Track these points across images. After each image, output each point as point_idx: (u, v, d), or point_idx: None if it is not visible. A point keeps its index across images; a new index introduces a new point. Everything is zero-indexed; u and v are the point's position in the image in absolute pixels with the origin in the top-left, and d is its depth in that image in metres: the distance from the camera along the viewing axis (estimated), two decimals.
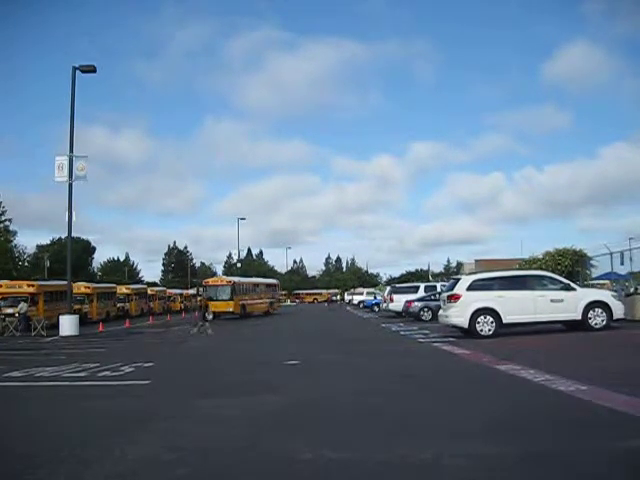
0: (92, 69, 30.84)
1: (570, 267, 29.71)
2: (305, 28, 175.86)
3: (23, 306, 32.47)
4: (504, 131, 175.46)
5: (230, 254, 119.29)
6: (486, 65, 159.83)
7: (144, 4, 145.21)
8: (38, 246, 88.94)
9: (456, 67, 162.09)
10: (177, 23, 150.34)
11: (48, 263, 75.21)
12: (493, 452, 5.63)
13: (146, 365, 14.35)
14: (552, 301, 18.35)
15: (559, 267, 28.90)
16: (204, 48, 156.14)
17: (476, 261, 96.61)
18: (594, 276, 30.51)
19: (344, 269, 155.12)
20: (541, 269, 25.64)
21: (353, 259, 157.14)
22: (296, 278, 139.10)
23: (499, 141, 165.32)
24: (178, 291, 79.10)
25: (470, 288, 18.90)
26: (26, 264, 72.49)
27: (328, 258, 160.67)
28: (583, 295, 18.89)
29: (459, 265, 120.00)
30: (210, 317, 33.98)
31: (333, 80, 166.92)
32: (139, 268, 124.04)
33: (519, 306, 18.27)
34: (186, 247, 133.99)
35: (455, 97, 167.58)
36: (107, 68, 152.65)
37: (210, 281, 50.45)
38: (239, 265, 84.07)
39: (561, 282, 19.27)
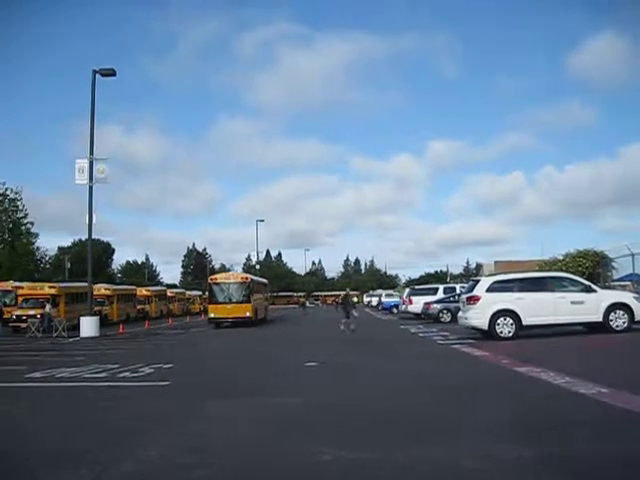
0: (112, 72, 31.04)
1: (591, 269, 29.40)
2: (320, 21, 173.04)
3: (48, 307, 32.75)
4: (525, 129, 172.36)
5: (249, 256, 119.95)
6: (509, 60, 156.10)
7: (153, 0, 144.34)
8: (59, 248, 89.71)
9: (477, 62, 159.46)
10: (187, 19, 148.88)
11: (69, 265, 75.83)
12: (512, 454, 5.59)
13: (165, 366, 14.40)
14: (573, 303, 18.20)
15: (580, 269, 28.61)
16: (216, 44, 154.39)
17: (495, 262, 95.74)
18: (615, 277, 30.20)
19: (363, 271, 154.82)
20: (562, 271, 25.45)
21: (372, 261, 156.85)
22: (315, 280, 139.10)
23: (520, 139, 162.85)
24: (197, 293, 79.42)
25: (490, 290, 18.80)
26: (47, 266, 73.06)
27: (347, 260, 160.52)
28: (604, 297, 18.71)
29: (478, 266, 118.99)
30: (356, 314, 29.07)
31: (350, 76, 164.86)
32: (158, 270, 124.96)
33: (539, 308, 18.14)
34: (205, 249, 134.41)
35: (476, 93, 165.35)
36: (118, 65, 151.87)
37: (218, 278, 40.52)
38: (258, 267, 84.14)
39: (582, 284, 19.10)
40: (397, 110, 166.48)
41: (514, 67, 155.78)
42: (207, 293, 43.14)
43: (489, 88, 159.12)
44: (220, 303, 37.06)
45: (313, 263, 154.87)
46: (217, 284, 38.37)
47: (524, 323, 18.22)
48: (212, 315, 37.07)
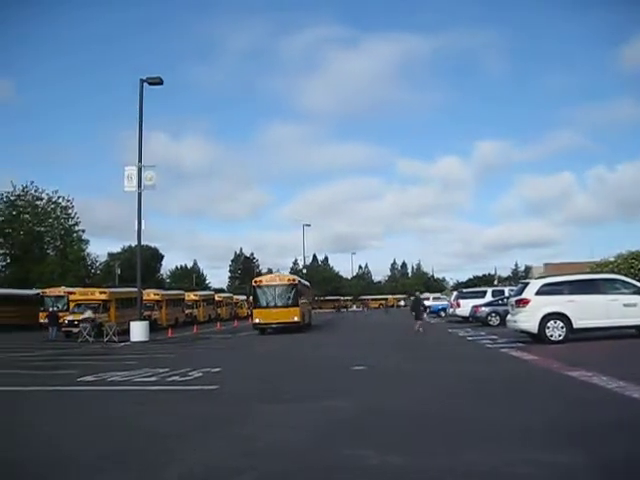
0: (159, 81, 31.49)
1: None
2: (364, 23, 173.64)
3: (88, 313, 33.30)
4: (575, 127, 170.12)
5: (296, 260, 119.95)
6: (557, 55, 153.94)
7: (198, 4, 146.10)
8: (109, 254, 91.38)
9: (524, 58, 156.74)
10: (232, 23, 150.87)
11: (119, 270, 77.16)
12: (564, 460, 5.50)
13: (214, 370, 14.52)
14: (625, 305, 17.80)
15: (632, 271, 27.96)
16: (261, 48, 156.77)
17: (545, 265, 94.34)
18: None
19: (409, 274, 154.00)
20: (613, 273, 24.92)
21: (419, 264, 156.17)
22: (362, 283, 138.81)
23: (569, 138, 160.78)
24: (245, 297, 79.88)
25: (539, 292, 18.51)
26: (98, 272, 74.48)
27: (393, 263, 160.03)
28: None
29: (527, 269, 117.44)
30: (425, 317, 29.27)
31: (395, 77, 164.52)
32: (206, 275, 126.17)
33: (590, 311, 17.78)
34: (252, 254, 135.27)
35: (523, 91, 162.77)
36: (164, 70, 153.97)
37: (263, 280, 37.35)
38: (305, 271, 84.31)
39: (635, 286, 18.65)
40: (443, 110, 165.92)
41: (562, 63, 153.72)
42: (251, 297, 40.61)
43: (536, 85, 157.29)
44: (265, 307, 34.72)
45: (360, 267, 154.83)
46: (262, 287, 35.68)
47: (575, 326, 17.89)
48: (257, 320, 34.58)
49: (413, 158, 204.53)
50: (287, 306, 34.28)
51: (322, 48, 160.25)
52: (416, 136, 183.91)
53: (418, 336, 25.42)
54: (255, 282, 36.73)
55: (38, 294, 47.38)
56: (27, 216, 62.11)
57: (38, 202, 63.29)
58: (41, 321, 42.00)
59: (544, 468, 5.34)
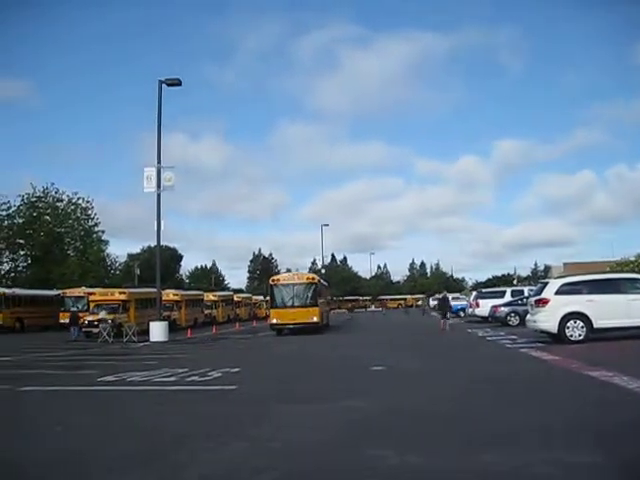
0: (177, 82, 31.56)
1: None
2: (378, 21, 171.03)
3: (103, 314, 33.46)
4: (595, 125, 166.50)
5: (314, 260, 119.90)
6: (576, 52, 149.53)
7: (211, 5, 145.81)
8: (129, 255, 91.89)
9: (543, 56, 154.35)
10: (246, 23, 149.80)
11: (138, 271, 77.62)
12: (584, 461, 5.47)
13: (233, 371, 14.56)
14: None
15: None
16: (276, 48, 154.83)
17: (565, 264, 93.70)
18: None
19: (428, 274, 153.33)
20: (634, 272, 24.71)
21: (437, 264, 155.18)
22: (380, 283, 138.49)
23: (589, 136, 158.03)
24: (263, 297, 79.99)
25: (559, 292, 18.40)
26: (117, 272, 74.96)
27: (412, 263, 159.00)
28: None
29: (547, 269, 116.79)
30: (449, 320, 30.06)
31: (411, 76, 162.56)
32: (224, 275, 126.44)
33: (611, 310, 17.65)
34: (271, 254, 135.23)
35: (542, 89, 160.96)
36: (180, 72, 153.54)
37: (281, 278, 35.88)
38: (323, 271, 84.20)
39: None
40: (461, 109, 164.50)
41: (582, 60, 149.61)
42: (268, 297, 38.19)
43: (556, 83, 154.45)
44: (283, 307, 33.11)
45: (378, 267, 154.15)
46: (280, 286, 33.97)
47: (595, 326, 17.76)
48: (274, 321, 33.01)
49: (431, 158, 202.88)
50: (306, 306, 32.78)
51: (336, 47, 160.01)
52: (434, 136, 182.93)
53: (443, 336, 25.46)
54: (272, 281, 34.99)
55: (58, 295, 47.90)
56: (47, 217, 62.63)
57: (58, 203, 63.82)
58: (61, 321, 42.47)
59: (565, 469, 5.31)
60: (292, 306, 32.89)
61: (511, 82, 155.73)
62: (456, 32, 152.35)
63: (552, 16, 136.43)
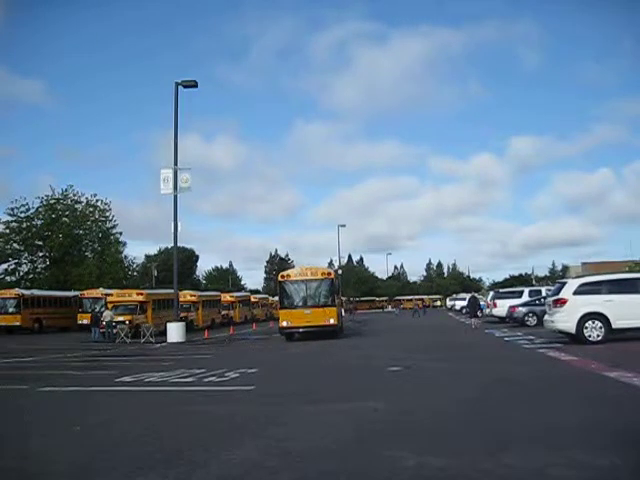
0: (194, 84, 31.55)
1: None
2: (393, 17, 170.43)
3: (108, 314, 33.57)
4: (613, 121, 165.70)
5: (331, 261, 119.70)
6: (593, 47, 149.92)
7: (225, 4, 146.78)
8: (146, 256, 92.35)
9: (560, 51, 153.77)
10: (260, 22, 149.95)
11: (155, 272, 77.99)
12: (604, 463, 5.43)
13: (250, 371, 14.60)
14: None
15: None
16: (290, 47, 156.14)
17: (583, 264, 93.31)
18: None
19: (445, 274, 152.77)
20: None
21: (454, 264, 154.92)
22: (397, 284, 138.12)
23: (607, 133, 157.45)
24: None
25: (577, 292, 18.27)
26: (135, 273, 75.34)
27: (429, 263, 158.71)
28: None
29: (565, 268, 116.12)
30: (480, 317, 31.72)
31: (427, 73, 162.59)
32: (241, 276, 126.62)
33: (630, 310, 17.51)
34: (287, 254, 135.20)
35: (559, 85, 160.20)
36: (195, 72, 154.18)
37: (292, 274, 29.71)
38: (340, 271, 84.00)
39: None
40: (477, 106, 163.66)
41: (599, 55, 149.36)
42: (277, 296, 32.43)
43: (573, 78, 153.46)
44: (294, 308, 28.27)
45: (395, 267, 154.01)
46: (290, 282, 28.80)
47: (614, 326, 17.63)
48: (284, 324, 28.05)
49: (447, 156, 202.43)
50: (321, 306, 27.95)
51: (351, 45, 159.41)
52: (449, 133, 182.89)
53: (467, 335, 25.62)
54: (282, 277, 29.66)
55: (77, 296, 48.20)
56: (66, 219, 63.04)
57: (77, 205, 64.24)
58: (79, 322, 42.77)
59: (586, 470, 5.28)
60: (305, 306, 28.11)
61: (527, 78, 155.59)
62: (472, 27, 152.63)
63: (569, 11, 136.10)
